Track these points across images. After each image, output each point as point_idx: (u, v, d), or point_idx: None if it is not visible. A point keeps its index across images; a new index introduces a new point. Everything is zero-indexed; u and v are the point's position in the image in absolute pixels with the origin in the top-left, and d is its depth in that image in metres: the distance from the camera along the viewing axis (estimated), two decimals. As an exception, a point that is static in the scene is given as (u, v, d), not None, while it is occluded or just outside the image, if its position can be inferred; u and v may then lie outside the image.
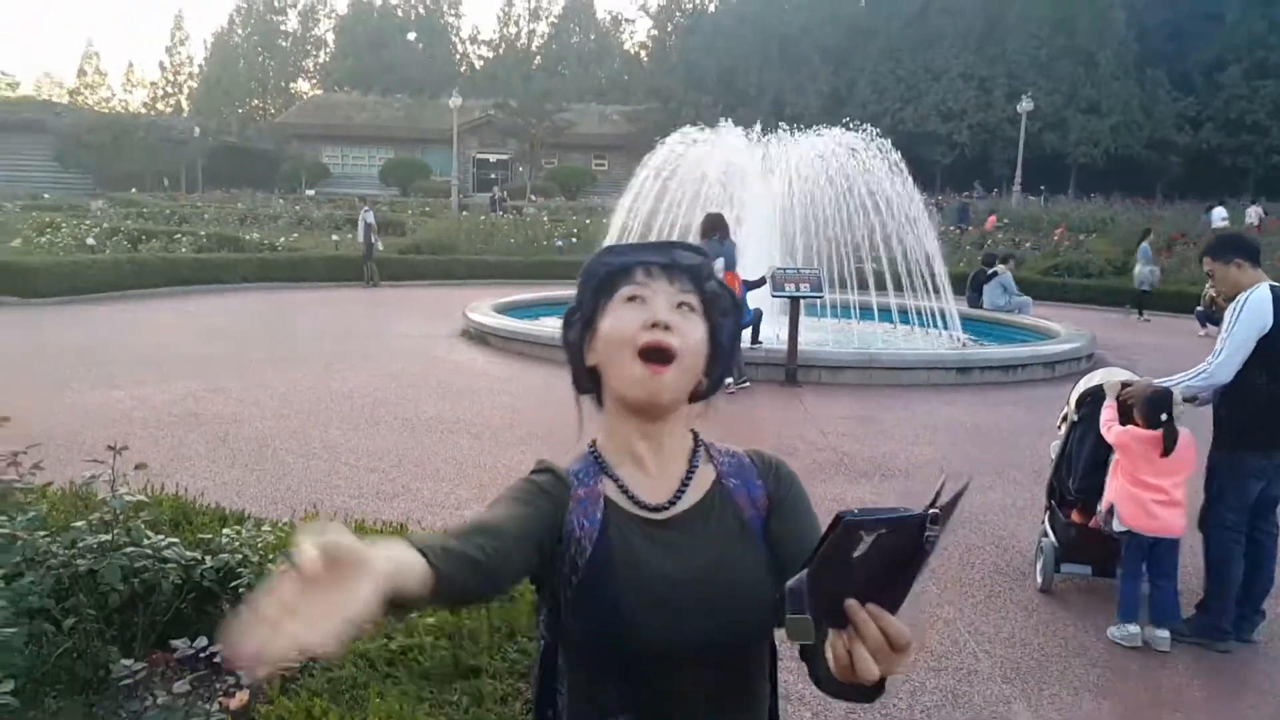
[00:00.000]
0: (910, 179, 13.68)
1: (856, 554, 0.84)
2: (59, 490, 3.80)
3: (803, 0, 56.95)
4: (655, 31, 76.24)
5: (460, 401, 9.02)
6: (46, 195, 34.17)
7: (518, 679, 2.86)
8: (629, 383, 1.22)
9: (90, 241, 19.63)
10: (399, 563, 0.92)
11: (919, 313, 13.75)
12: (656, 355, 1.20)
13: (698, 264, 1.30)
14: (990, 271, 16.63)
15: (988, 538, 5.79)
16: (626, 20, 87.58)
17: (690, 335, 1.23)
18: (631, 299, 1.25)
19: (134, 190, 40.68)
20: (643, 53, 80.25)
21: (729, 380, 9.17)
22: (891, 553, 0.85)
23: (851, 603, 0.87)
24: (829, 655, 0.89)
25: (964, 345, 13.03)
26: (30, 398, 8.16)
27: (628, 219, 13.78)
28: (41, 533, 3.31)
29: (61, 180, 46.61)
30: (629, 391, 1.23)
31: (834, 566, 0.85)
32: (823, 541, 0.86)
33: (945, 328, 13.54)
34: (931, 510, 0.85)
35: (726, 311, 1.32)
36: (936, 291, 13.47)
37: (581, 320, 1.31)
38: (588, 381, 1.32)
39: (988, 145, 51.68)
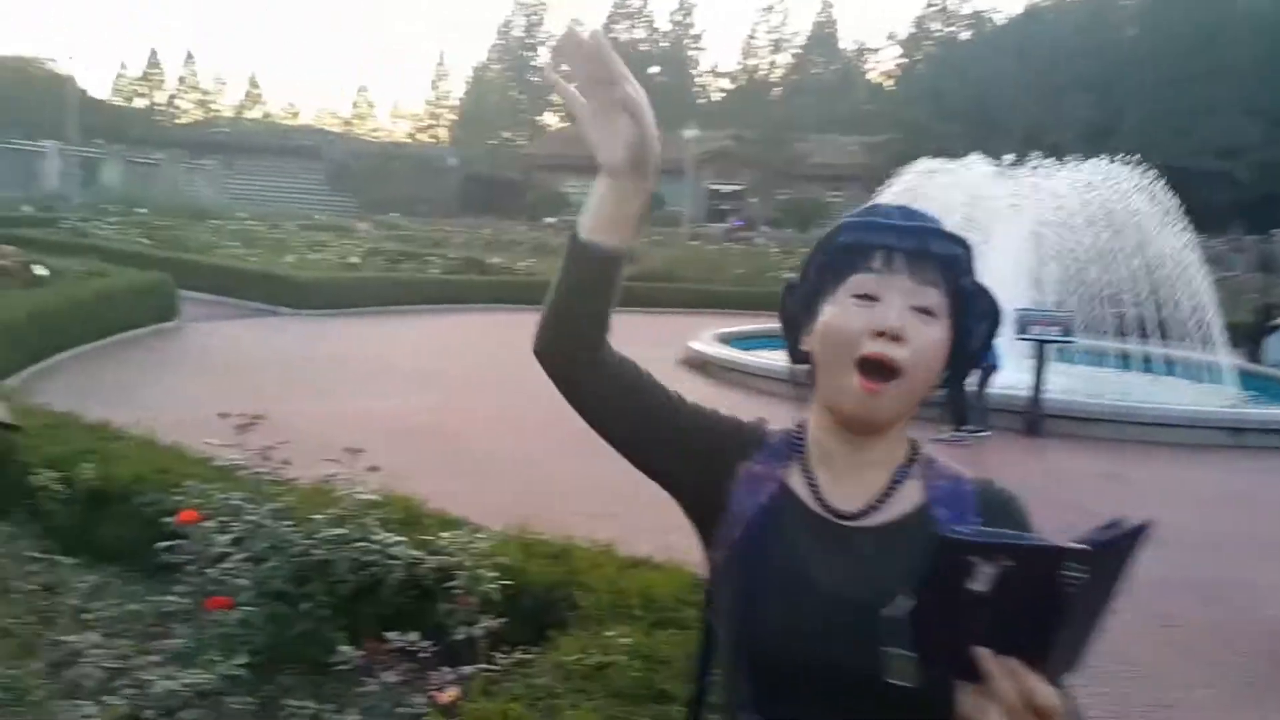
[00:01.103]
0: (1181, 218, 12.57)
1: (976, 586, 0.71)
2: (304, 485, 4.19)
3: (1065, 29, 54.04)
4: (903, 60, 74.74)
5: (677, 429, 9.14)
6: (318, 216, 38.09)
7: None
8: (840, 393, 1.09)
9: (354, 260, 21.67)
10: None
11: (1186, 364, 12.57)
12: (877, 370, 1.06)
13: (954, 255, 1.12)
14: (1272, 324, 14.96)
15: (1254, 619, 5.18)
16: (869, 50, 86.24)
17: (923, 347, 1.07)
18: (861, 296, 1.09)
19: (395, 214, 44.50)
20: (888, 82, 78.83)
21: (964, 429, 8.70)
22: (1026, 592, 0.71)
23: (984, 652, 0.74)
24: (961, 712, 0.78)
25: (1239, 403, 11.76)
26: (289, 400, 9.09)
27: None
28: (287, 523, 3.68)
29: (331, 203, 51.72)
30: (839, 402, 1.10)
31: (945, 598, 0.73)
32: (933, 560, 0.74)
33: (1218, 383, 12.28)
34: (1073, 546, 0.71)
35: (984, 315, 1.14)
36: (1208, 342, 12.25)
37: (804, 296, 1.17)
38: (802, 358, 1.19)
39: (1274, 182, 46.63)
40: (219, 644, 3.13)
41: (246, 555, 3.45)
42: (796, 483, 1.15)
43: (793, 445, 1.18)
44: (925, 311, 1.08)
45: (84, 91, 52.54)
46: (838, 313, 1.10)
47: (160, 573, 3.58)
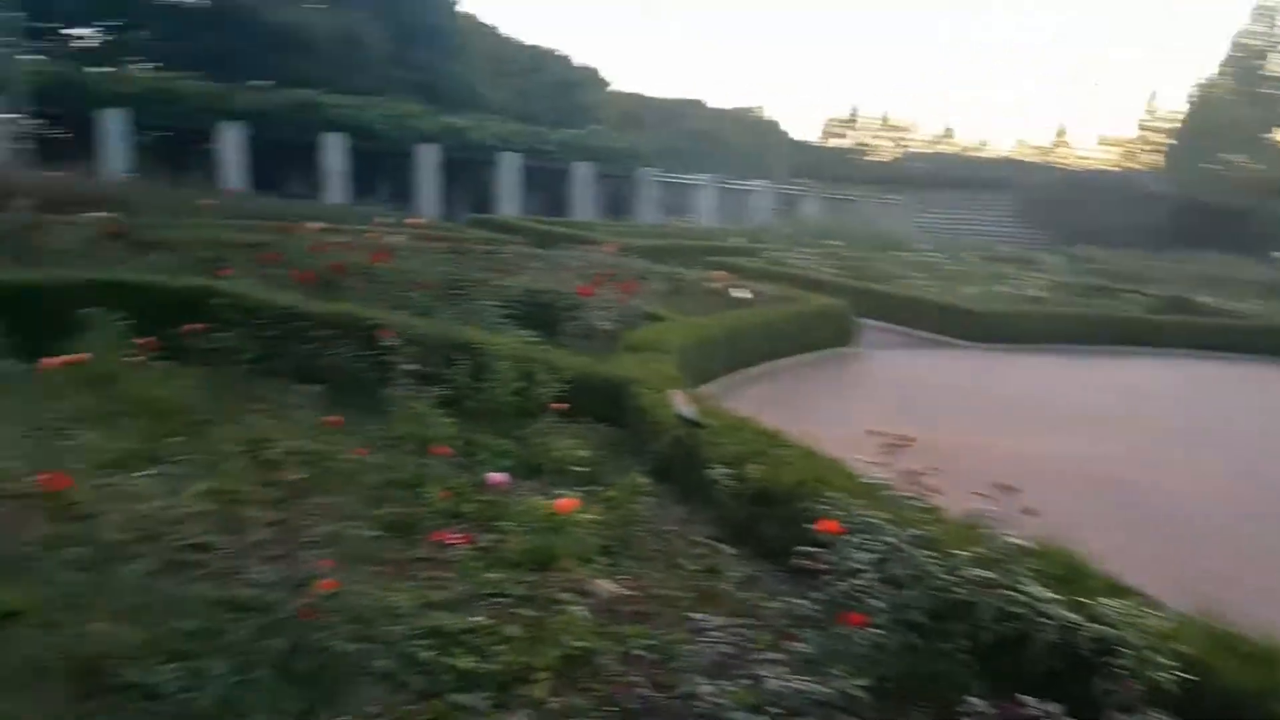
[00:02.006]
0: None
1: None
2: (951, 517, 4.03)
3: None
4: None
5: None
6: (1003, 247, 37.60)
7: None
8: None
9: (1038, 293, 20.89)
10: None
11: None
12: None
13: None
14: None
15: None
16: None
17: None
18: None
19: (1089, 245, 41.96)
20: None
21: None
22: None
23: None
24: None
25: None
26: (948, 429, 8.99)
27: None
28: (927, 552, 3.54)
29: (1019, 234, 50.67)
30: None
31: None
32: None
33: None
34: None
35: None
36: None
37: None
38: None
39: None
40: (846, 659, 3.11)
41: (883, 577, 3.40)
42: None
43: None
44: None
45: (789, 136, 59.50)
46: None
47: (805, 575, 3.71)
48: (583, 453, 5.95)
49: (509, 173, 33.62)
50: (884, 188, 49.76)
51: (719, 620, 3.67)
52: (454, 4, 41.37)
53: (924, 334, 17.11)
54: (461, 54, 39.75)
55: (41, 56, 29.69)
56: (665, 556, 4.71)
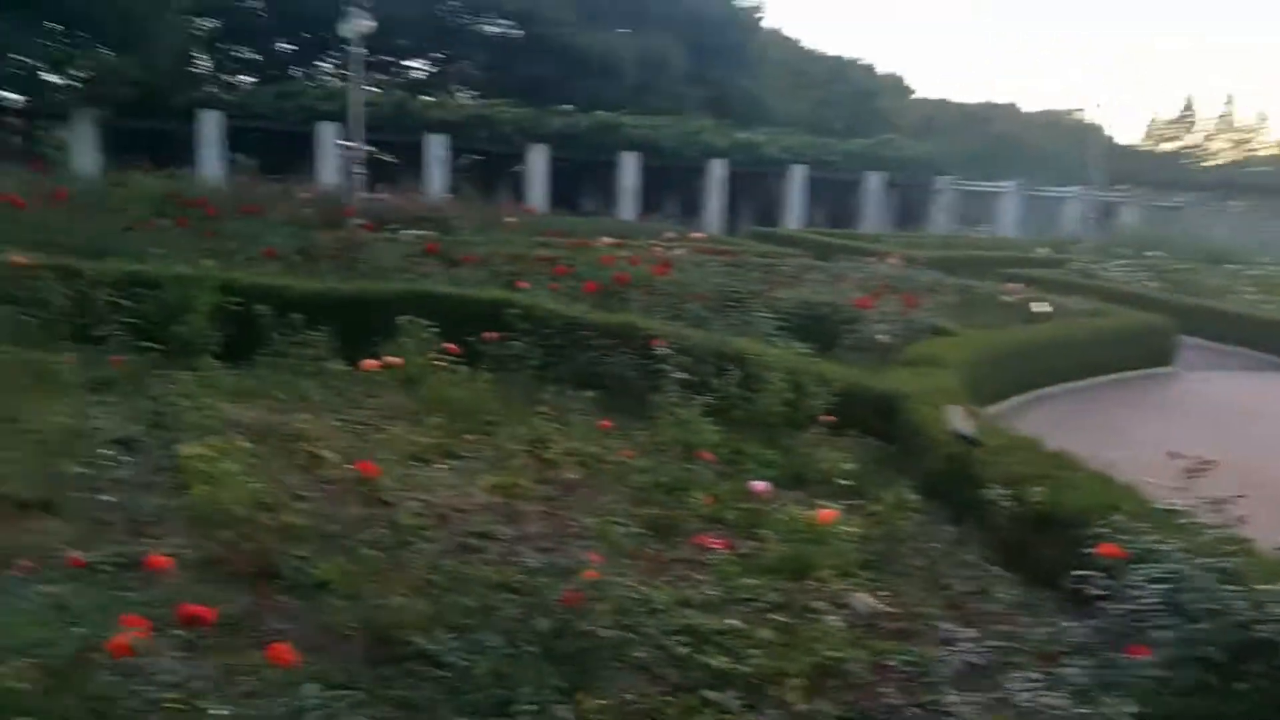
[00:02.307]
0: None
1: None
2: (1261, 549, 3.62)
3: None
4: None
5: None
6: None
7: None
8: None
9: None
10: None
11: None
12: None
13: None
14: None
15: None
16: None
17: None
18: None
19: None
20: None
21: None
22: None
23: None
24: None
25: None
26: (1267, 458, 7.96)
27: None
28: (1231, 587, 3.21)
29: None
30: None
31: None
32: None
33: None
34: None
35: None
36: None
37: None
38: None
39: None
40: (1121, 689, 2.89)
41: (1172, 607, 3.12)
42: None
43: None
44: None
45: (1111, 139, 54.84)
46: None
47: (1080, 601, 3.49)
48: (848, 466, 5.89)
49: (795, 185, 33.67)
50: (1220, 194, 44.79)
51: (971, 633, 3.53)
52: (756, 21, 42.14)
53: (1261, 355, 15.26)
54: (758, 69, 40.36)
55: (377, 90, 33.49)
56: (929, 574, 4.56)
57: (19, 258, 7.54)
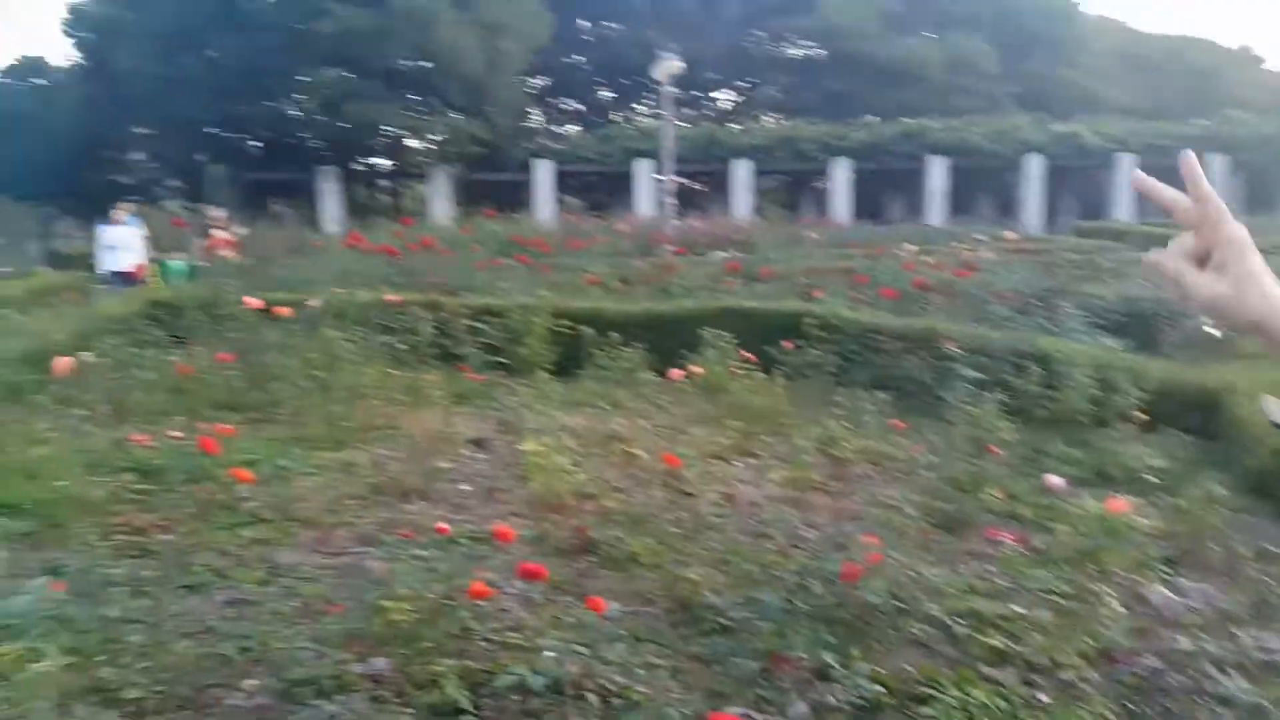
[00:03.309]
0: None
1: None
2: None
3: None
4: None
5: None
6: None
7: None
8: None
9: None
10: None
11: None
12: None
13: None
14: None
15: None
16: None
17: None
18: None
19: None
20: None
21: None
22: None
23: None
24: None
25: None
26: None
27: None
28: None
29: None
30: None
31: None
32: None
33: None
34: None
35: None
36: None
37: None
38: None
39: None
40: None
41: None
42: None
43: None
44: None
45: None
46: None
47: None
48: (1157, 462, 5.64)
49: (1123, 175, 31.10)
50: None
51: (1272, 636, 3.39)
52: (1074, 9, 39.63)
53: None
54: (1079, 58, 37.86)
55: (687, 124, 35.10)
56: (1235, 572, 4.33)
57: (393, 296, 8.95)
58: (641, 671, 3.25)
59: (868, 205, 31.15)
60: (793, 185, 36.72)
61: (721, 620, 3.71)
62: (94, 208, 13.86)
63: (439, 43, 27.90)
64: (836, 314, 8.51)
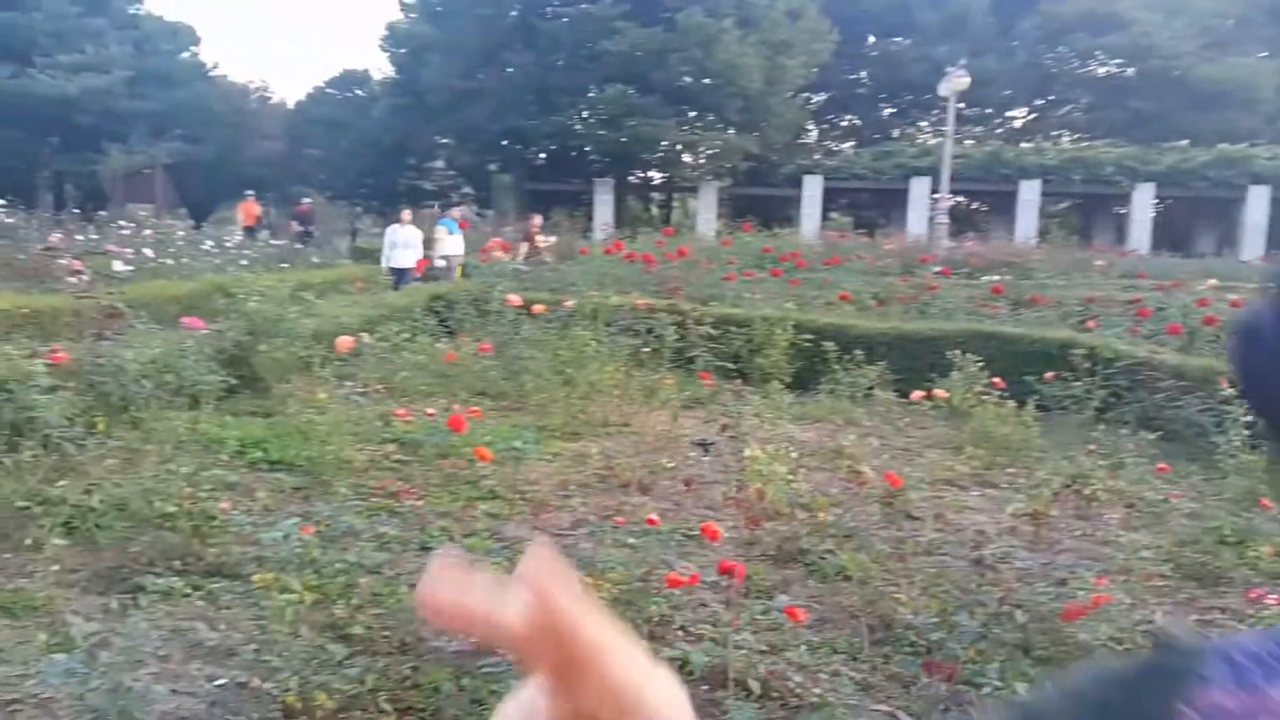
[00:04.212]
0: None
1: None
2: None
3: None
4: None
5: None
6: None
7: None
8: None
9: None
10: None
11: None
12: None
13: None
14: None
15: None
16: None
17: None
18: None
19: None
20: None
21: None
22: None
23: None
24: None
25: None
26: None
27: None
28: None
29: None
30: None
31: None
32: None
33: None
34: None
35: None
36: None
37: None
38: None
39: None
40: None
41: None
42: None
43: None
44: None
45: None
46: None
47: None
48: None
49: None
50: None
51: None
52: None
53: None
54: None
55: (972, 141, 33.75)
56: None
57: (642, 301, 9.32)
58: (826, 678, 3.25)
59: (1172, 236, 28.58)
60: (1086, 210, 34.29)
61: (920, 641, 3.63)
62: (397, 209, 15.53)
63: (720, 60, 28.50)
64: (1108, 345, 7.97)
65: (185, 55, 36.84)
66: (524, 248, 15.78)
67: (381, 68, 38.24)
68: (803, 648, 3.38)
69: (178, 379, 6.04)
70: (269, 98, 42.45)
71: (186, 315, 7.26)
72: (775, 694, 3.21)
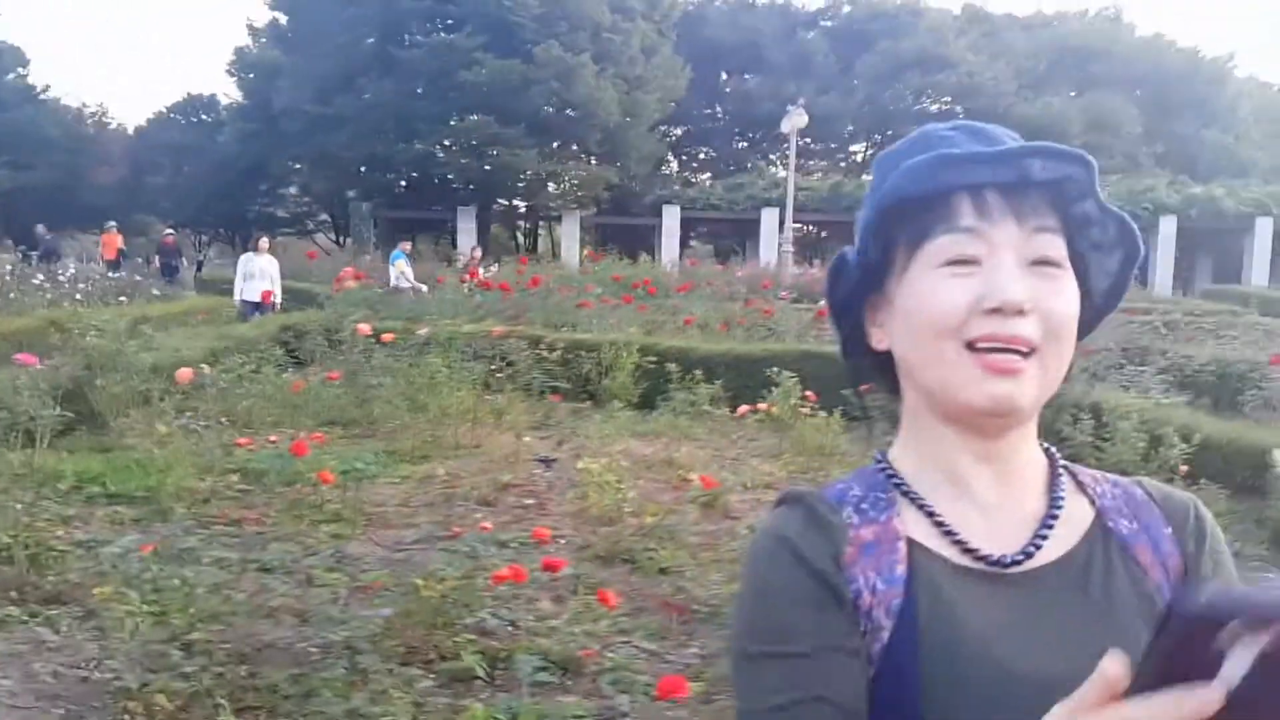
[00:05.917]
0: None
1: (1230, 668, 0.50)
2: None
3: None
4: None
5: None
6: None
7: None
8: (957, 387, 0.78)
9: None
10: None
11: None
12: (1003, 353, 0.76)
13: (1065, 176, 0.80)
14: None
15: None
16: None
17: (1059, 308, 0.78)
18: (955, 262, 0.78)
19: None
20: None
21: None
22: None
23: None
24: None
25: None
26: None
27: None
28: None
29: None
30: (959, 398, 0.78)
31: (1187, 678, 0.51)
32: (1157, 637, 0.52)
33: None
34: None
35: (1107, 245, 0.84)
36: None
37: (864, 273, 0.85)
38: (871, 366, 0.89)
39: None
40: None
41: None
42: (918, 529, 0.81)
43: (889, 481, 0.84)
44: (1046, 263, 0.78)
45: None
46: (926, 291, 0.79)
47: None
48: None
49: (1263, 240, 29.61)
50: None
51: None
52: (1227, 72, 38.24)
53: None
54: (1229, 119, 36.48)
55: (818, 175, 35.38)
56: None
57: (497, 328, 9.60)
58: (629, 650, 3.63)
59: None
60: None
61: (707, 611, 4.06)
62: (246, 237, 15.18)
63: (579, 93, 29.04)
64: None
65: (11, 77, 35.13)
66: (469, 277, 15.58)
67: (229, 92, 37.31)
68: (613, 629, 3.73)
69: (11, 415, 5.95)
70: (108, 123, 40.81)
71: (18, 352, 7.05)
72: (586, 669, 3.58)
